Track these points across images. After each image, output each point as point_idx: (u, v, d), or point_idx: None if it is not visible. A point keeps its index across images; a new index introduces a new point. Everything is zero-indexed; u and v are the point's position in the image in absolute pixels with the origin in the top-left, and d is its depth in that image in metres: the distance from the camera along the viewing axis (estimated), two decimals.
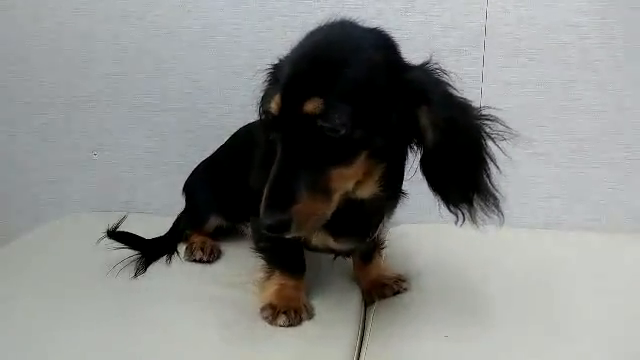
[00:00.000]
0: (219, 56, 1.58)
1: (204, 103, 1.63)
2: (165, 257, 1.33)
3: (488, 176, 0.87)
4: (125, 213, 1.36)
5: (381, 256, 1.25)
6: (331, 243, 1.04)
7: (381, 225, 1.09)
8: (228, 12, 1.55)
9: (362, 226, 1.02)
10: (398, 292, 1.18)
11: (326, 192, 0.82)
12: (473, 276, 1.24)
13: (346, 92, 0.79)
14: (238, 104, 1.59)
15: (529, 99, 1.50)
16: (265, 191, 0.80)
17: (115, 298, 1.15)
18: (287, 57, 0.89)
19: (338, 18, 0.90)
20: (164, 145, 1.69)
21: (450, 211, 0.89)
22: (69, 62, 1.64)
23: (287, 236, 0.81)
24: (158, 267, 1.29)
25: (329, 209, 0.83)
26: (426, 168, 0.87)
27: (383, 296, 1.18)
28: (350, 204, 0.90)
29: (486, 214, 0.88)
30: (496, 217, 0.88)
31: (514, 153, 1.43)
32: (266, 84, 0.97)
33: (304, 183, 0.79)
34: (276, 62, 0.94)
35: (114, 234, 1.23)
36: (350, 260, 1.24)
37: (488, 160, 0.87)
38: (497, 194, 0.88)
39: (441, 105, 0.83)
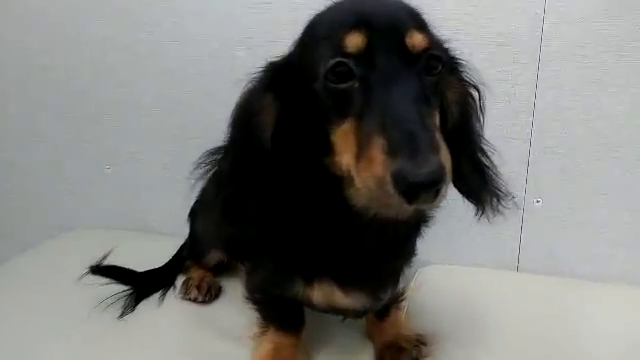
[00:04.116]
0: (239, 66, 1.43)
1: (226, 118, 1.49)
2: (160, 292, 1.20)
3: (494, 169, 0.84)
4: (134, 232, 1.34)
5: (400, 309, 1.08)
6: (339, 298, 0.86)
7: (402, 273, 0.94)
8: (249, 25, 1.39)
9: (382, 263, 0.85)
10: (417, 359, 0.99)
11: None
12: (511, 337, 1.06)
13: (428, 31, 0.72)
14: None
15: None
16: (392, 136, 0.60)
17: (95, 342, 1.03)
18: (325, 15, 0.74)
19: None
20: (182, 162, 1.55)
21: (470, 202, 0.82)
22: (86, 70, 1.55)
23: (440, 193, 0.59)
24: (149, 305, 1.17)
25: None
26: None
27: None
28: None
29: (498, 205, 0.82)
30: (509, 207, 0.83)
31: (571, 193, 1.30)
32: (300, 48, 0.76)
33: (430, 125, 0.64)
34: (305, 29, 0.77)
35: (100, 269, 1.11)
36: None
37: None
38: (503, 188, 0.83)
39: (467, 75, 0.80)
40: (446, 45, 0.79)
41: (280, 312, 0.96)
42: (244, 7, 1.38)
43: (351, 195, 0.71)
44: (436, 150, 0.59)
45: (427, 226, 0.87)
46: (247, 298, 0.99)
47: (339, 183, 0.71)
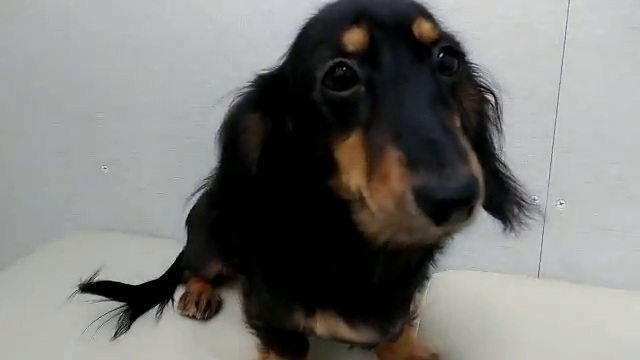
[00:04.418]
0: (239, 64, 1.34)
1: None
2: (157, 307, 1.14)
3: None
4: (131, 235, 1.29)
5: (412, 326, 1.00)
6: (343, 331, 0.78)
7: (413, 300, 0.87)
8: (248, 19, 1.30)
9: (391, 294, 0.76)
10: None
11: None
12: (531, 350, 0.99)
13: (436, 22, 0.63)
14: None
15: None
16: (410, 145, 0.50)
17: None
18: (319, 17, 0.65)
19: None
20: (182, 162, 1.49)
21: (493, 215, 0.72)
22: (82, 69, 1.48)
23: (474, 211, 0.50)
24: (145, 323, 1.10)
25: None
26: None
27: None
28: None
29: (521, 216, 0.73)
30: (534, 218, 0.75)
31: (596, 196, 1.20)
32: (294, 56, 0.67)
33: (454, 130, 0.53)
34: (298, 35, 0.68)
35: (90, 287, 1.03)
36: None
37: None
38: (525, 198, 0.75)
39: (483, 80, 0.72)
40: (461, 44, 0.68)
41: (281, 337, 0.88)
42: (243, 1, 1.29)
43: (361, 220, 0.61)
44: (465, 159, 0.49)
45: (441, 252, 0.77)
46: (246, 323, 0.92)
47: (344, 207, 0.61)
